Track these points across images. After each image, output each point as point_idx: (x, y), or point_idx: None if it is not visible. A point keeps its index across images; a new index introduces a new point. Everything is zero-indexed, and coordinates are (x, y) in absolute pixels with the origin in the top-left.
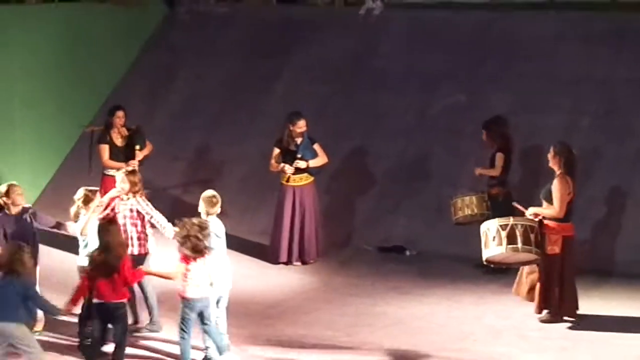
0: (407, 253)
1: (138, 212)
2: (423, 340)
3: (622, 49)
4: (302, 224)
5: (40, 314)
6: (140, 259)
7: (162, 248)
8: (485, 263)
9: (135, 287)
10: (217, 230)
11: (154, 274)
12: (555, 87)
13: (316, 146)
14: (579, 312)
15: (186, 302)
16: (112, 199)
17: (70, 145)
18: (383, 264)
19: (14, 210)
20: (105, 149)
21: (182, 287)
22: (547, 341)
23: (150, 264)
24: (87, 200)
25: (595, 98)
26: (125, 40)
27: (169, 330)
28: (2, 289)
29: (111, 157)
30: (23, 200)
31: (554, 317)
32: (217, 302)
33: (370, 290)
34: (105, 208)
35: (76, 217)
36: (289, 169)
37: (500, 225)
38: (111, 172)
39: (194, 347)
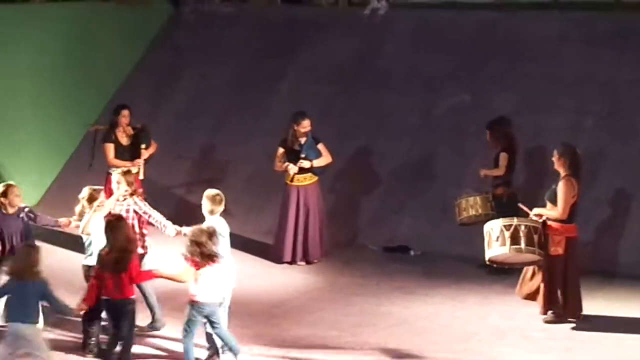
0: (412, 253)
1: (135, 212)
2: (427, 340)
3: (626, 49)
4: (307, 224)
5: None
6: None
7: (161, 247)
8: (487, 263)
9: (135, 287)
10: (221, 229)
11: (164, 277)
12: (559, 88)
13: (320, 146)
14: (583, 313)
15: (195, 305)
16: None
17: (76, 144)
18: (388, 263)
19: (11, 210)
20: (110, 148)
21: (193, 290)
22: (551, 342)
23: (145, 263)
24: (92, 199)
25: (599, 99)
26: (130, 40)
27: (171, 329)
28: (22, 289)
29: (116, 156)
30: (20, 201)
31: (558, 318)
32: (220, 302)
33: (374, 290)
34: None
35: (81, 215)
36: (292, 169)
37: (504, 226)
38: None
39: (197, 346)
